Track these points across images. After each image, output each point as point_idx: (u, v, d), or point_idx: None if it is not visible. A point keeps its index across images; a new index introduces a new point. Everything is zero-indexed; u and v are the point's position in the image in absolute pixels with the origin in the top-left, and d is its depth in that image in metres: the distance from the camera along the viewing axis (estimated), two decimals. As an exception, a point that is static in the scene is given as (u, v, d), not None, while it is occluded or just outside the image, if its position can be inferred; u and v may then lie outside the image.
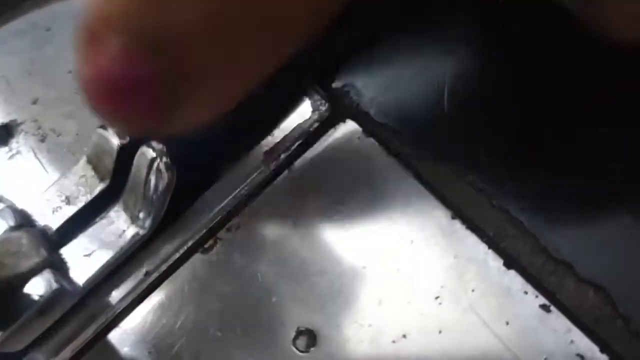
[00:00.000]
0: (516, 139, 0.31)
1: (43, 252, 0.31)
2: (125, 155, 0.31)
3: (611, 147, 0.30)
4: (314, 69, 0.33)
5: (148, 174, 0.30)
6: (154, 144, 0.30)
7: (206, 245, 0.32)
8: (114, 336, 0.32)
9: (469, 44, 0.33)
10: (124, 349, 0.31)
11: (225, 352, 0.31)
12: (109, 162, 0.31)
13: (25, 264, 0.30)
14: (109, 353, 0.32)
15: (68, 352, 0.31)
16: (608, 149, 0.30)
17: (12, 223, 0.31)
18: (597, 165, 0.30)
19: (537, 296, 0.29)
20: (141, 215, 0.31)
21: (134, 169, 0.30)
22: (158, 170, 0.30)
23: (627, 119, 0.30)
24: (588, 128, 0.30)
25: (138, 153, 0.30)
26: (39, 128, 0.36)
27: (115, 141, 0.31)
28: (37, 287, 0.30)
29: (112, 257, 0.31)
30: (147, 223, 0.31)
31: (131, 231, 0.31)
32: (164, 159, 0.29)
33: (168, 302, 0.32)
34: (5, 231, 0.31)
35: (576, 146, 0.30)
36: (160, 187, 0.30)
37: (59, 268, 0.31)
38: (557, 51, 0.31)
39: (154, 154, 0.29)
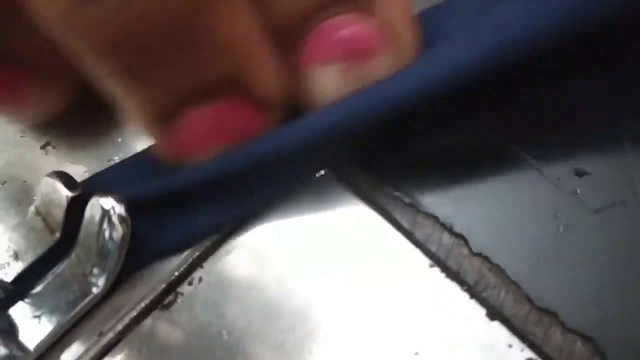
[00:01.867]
0: (493, 182, 0.29)
1: (-12, 314, 0.28)
2: (76, 206, 0.29)
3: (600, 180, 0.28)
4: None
5: (101, 226, 0.28)
6: (106, 194, 0.27)
7: (166, 302, 0.30)
8: (65, 406, 0.29)
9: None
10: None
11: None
12: (58, 214, 0.29)
13: (-32, 328, 0.28)
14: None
15: None
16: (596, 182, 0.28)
17: (-48, 283, 0.29)
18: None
19: (522, 349, 0.27)
20: (95, 271, 0.29)
21: (85, 221, 0.28)
22: (111, 222, 0.27)
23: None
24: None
25: (90, 204, 0.28)
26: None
27: (64, 192, 0.29)
28: (-20, 354, 0.27)
29: (65, 319, 0.29)
30: (102, 281, 0.28)
31: (84, 290, 0.29)
32: (118, 210, 0.27)
33: (126, 364, 0.29)
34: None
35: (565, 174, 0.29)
36: (115, 240, 0.28)
37: (8, 331, 0.28)
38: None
39: (107, 206, 0.27)
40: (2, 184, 0.33)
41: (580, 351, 0.27)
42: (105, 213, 0.27)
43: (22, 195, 0.32)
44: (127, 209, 0.27)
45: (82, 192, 0.29)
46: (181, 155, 0.27)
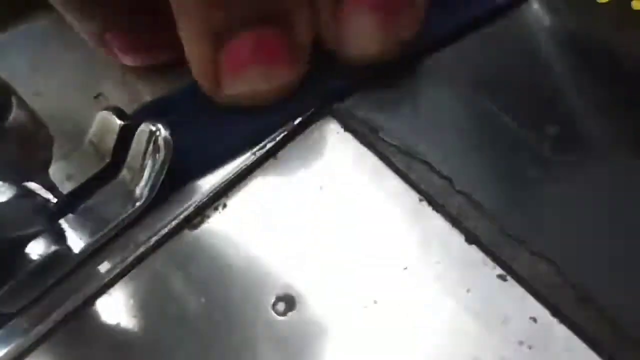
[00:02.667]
0: (479, 130, 0.35)
1: (42, 220, 0.33)
2: (126, 134, 0.34)
3: (565, 135, 0.34)
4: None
5: (147, 148, 0.33)
6: (154, 122, 0.33)
7: (194, 222, 0.35)
8: (102, 303, 0.34)
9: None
10: (112, 316, 0.33)
11: (209, 318, 0.33)
12: (110, 141, 0.34)
13: (25, 229, 0.32)
14: (96, 320, 0.33)
15: (54, 317, 0.33)
16: (562, 138, 0.34)
17: (14, 192, 0.33)
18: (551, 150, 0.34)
19: (494, 267, 0.32)
20: (137, 189, 0.34)
21: (134, 144, 0.33)
22: (156, 145, 0.33)
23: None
24: (546, 112, 0.34)
25: (139, 129, 0.33)
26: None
27: (117, 121, 0.34)
28: (35, 249, 0.32)
29: (108, 227, 0.34)
30: (143, 196, 0.33)
31: (127, 204, 0.34)
32: (163, 134, 0.33)
33: (156, 273, 0.34)
34: (8, 198, 0.33)
35: (535, 131, 0.34)
36: (158, 161, 0.33)
37: (58, 236, 0.33)
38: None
39: (153, 128, 0.33)
40: (58, 125, 0.38)
41: (544, 271, 0.32)
42: (152, 135, 0.33)
43: (75, 135, 0.37)
44: (171, 133, 0.33)
45: (132, 122, 0.34)
46: (222, 79, 0.33)
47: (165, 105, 0.36)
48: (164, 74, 0.39)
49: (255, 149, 0.36)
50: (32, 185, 0.34)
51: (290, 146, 0.36)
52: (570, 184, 0.33)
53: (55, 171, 0.35)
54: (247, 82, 0.33)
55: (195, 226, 0.35)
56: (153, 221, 0.35)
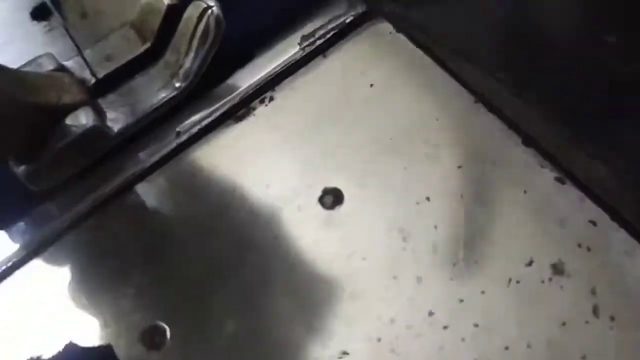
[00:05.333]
0: (536, 44, 0.34)
1: (82, 94, 0.31)
2: (173, 15, 0.32)
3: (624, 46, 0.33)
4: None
5: (197, 26, 0.31)
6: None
7: (239, 114, 0.33)
8: (141, 188, 0.32)
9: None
10: (150, 203, 0.32)
11: (250, 207, 0.31)
12: (154, 24, 0.33)
13: (66, 99, 0.31)
14: (133, 206, 0.32)
15: (89, 202, 0.32)
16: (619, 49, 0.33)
17: (54, 66, 0.32)
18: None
19: (552, 169, 0.31)
20: (182, 71, 0.32)
21: (182, 22, 0.32)
22: (207, 24, 0.31)
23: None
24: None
25: (190, 6, 0.32)
26: (81, 7, 0.37)
27: (165, 0, 0.32)
28: (75, 122, 0.30)
29: (147, 110, 0.32)
30: (189, 76, 0.32)
31: (169, 87, 0.32)
32: (216, 12, 0.31)
33: (198, 163, 0.33)
34: (47, 69, 0.31)
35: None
36: (208, 41, 0.31)
37: (97, 113, 0.31)
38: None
39: (205, 5, 0.31)
40: (98, 14, 0.37)
41: (601, 173, 0.31)
42: (203, 13, 0.31)
43: (115, 24, 0.35)
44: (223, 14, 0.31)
45: (180, 3, 0.32)
46: None
47: None
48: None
49: (304, 44, 0.34)
50: (69, 64, 0.33)
51: (340, 44, 0.35)
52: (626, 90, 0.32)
53: (94, 51, 0.33)
54: None
55: (240, 118, 0.33)
56: (196, 110, 0.33)
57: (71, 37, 0.32)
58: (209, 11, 0.31)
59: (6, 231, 0.31)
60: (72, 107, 0.30)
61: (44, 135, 0.30)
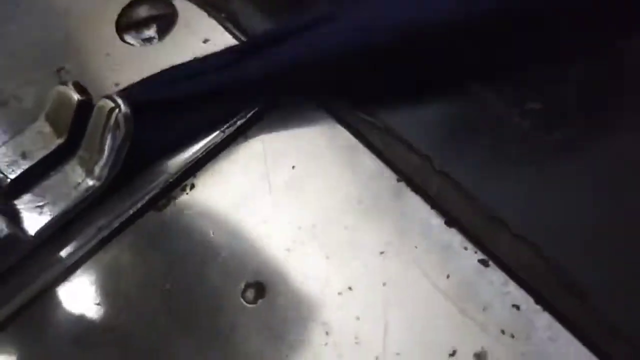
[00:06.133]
0: (459, 109, 0.33)
1: (-5, 201, 0.31)
2: (84, 110, 0.32)
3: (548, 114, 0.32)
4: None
5: (106, 124, 0.31)
6: (113, 96, 0.31)
7: (160, 204, 0.33)
8: (63, 289, 0.32)
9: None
10: (72, 302, 0.32)
11: (174, 305, 0.31)
12: (67, 118, 0.32)
13: (-25, 210, 0.30)
14: (56, 306, 0.32)
15: (13, 305, 0.31)
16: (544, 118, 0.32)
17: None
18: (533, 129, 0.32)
19: (476, 252, 0.30)
20: (97, 168, 0.32)
21: (92, 119, 0.31)
22: (116, 121, 0.31)
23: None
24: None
25: (97, 104, 0.31)
26: (1, 94, 0.36)
27: (75, 96, 0.32)
28: (-13, 232, 0.30)
29: (65, 209, 0.32)
30: (103, 175, 0.31)
31: (85, 184, 0.32)
32: (123, 110, 0.30)
33: (119, 258, 0.32)
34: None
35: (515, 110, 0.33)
36: (118, 138, 0.31)
37: (12, 217, 0.31)
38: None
39: (112, 105, 0.30)
40: (19, 102, 0.36)
41: (526, 255, 0.30)
42: (112, 111, 0.31)
43: (36, 111, 0.35)
44: (132, 112, 0.31)
45: (91, 98, 0.32)
46: None
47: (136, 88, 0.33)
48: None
49: (224, 127, 0.34)
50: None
51: (261, 124, 0.34)
52: (553, 163, 0.32)
53: (9, 148, 0.33)
54: None
55: (161, 208, 0.33)
56: (116, 203, 0.33)
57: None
58: (116, 110, 0.30)
59: None
60: (-17, 218, 0.30)
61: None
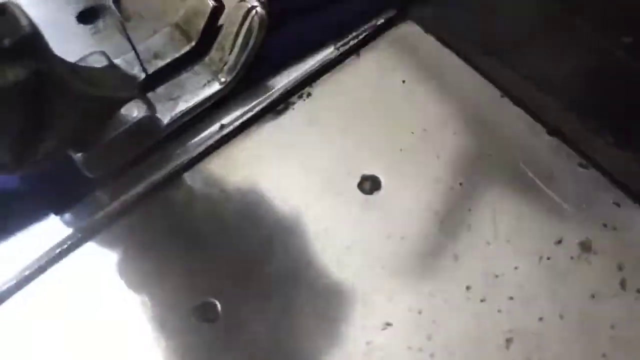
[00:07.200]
0: (554, 38, 0.36)
1: (134, 88, 0.33)
2: (217, 16, 0.35)
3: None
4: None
5: (242, 24, 0.33)
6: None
7: (278, 108, 0.35)
8: (186, 178, 0.34)
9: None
10: (195, 191, 0.34)
11: (294, 196, 0.33)
12: (199, 24, 0.35)
13: (119, 93, 0.32)
14: (179, 194, 0.34)
15: (139, 189, 0.33)
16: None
17: (106, 63, 0.34)
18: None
19: (576, 157, 0.33)
20: (226, 67, 0.34)
21: (228, 19, 0.34)
22: (251, 23, 0.33)
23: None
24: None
25: (235, 5, 0.34)
26: (125, 10, 0.39)
27: (210, 2, 0.35)
28: (129, 112, 0.32)
29: (193, 104, 0.34)
30: (233, 71, 0.34)
31: (212, 83, 0.34)
32: (259, 12, 0.33)
33: (240, 152, 0.34)
34: (102, 66, 0.33)
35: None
36: (252, 37, 0.33)
37: (147, 105, 0.33)
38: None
39: (249, 5, 0.33)
40: (141, 18, 0.39)
41: (622, 159, 0.33)
42: (248, 12, 0.33)
43: (158, 25, 0.37)
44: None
45: (223, 5, 0.35)
46: None
47: None
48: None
49: (338, 45, 0.37)
50: (118, 62, 0.35)
51: (373, 45, 0.37)
52: None
53: (141, 49, 0.35)
54: None
55: (280, 112, 0.35)
56: (239, 105, 0.35)
57: (126, 34, 0.35)
58: (253, 11, 0.33)
59: (61, 216, 0.33)
60: (125, 100, 0.32)
61: (99, 125, 0.32)
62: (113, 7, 0.39)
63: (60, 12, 0.40)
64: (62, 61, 0.30)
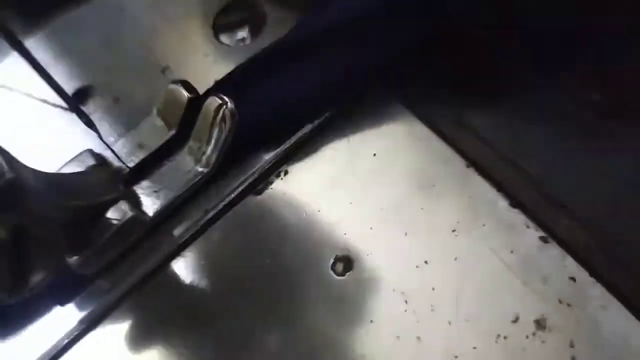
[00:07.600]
0: (521, 104, 0.37)
1: (119, 187, 0.36)
2: (193, 106, 0.37)
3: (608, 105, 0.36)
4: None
5: (214, 118, 0.36)
6: (221, 95, 0.36)
7: (258, 188, 0.38)
8: (176, 264, 0.37)
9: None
10: (187, 275, 0.37)
11: (274, 275, 0.36)
12: (177, 113, 0.37)
13: (104, 196, 0.35)
14: (172, 278, 0.37)
15: (134, 278, 0.37)
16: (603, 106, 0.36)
17: (92, 163, 0.37)
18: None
19: (537, 230, 0.35)
20: (204, 157, 0.37)
21: (201, 114, 0.36)
22: (223, 116, 0.35)
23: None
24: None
25: (207, 101, 0.36)
26: (112, 91, 0.41)
27: (185, 94, 0.37)
28: (114, 215, 0.35)
29: (178, 193, 0.37)
30: (210, 163, 0.36)
31: (195, 171, 0.37)
32: (230, 106, 0.35)
33: (225, 235, 0.37)
34: (86, 168, 0.36)
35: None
36: (224, 130, 0.36)
37: (133, 201, 0.36)
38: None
39: (220, 101, 0.35)
40: (129, 98, 0.41)
41: (583, 234, 0.34)
42: (219, 107, 0.35)
43: (145, 106, 0.40)
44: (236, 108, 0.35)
45: (198, 95, 0.37)
46: None
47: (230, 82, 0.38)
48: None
49: (312, 121, 0.38)
50: (107, 155, 0.37)
51: (344, 119, 0.39)
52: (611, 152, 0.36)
53: (128, 140, 0.38)
54: None
55: (260, 192, 0.38)
56: (220, 188, 0.38)
57: (99, 137, 0.37)
58: (224, 106, 0.35)
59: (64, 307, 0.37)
60: (110, 203, 0.35)
61: (85, 232, 0.35)
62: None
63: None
64: (45, 175, 0.33)
